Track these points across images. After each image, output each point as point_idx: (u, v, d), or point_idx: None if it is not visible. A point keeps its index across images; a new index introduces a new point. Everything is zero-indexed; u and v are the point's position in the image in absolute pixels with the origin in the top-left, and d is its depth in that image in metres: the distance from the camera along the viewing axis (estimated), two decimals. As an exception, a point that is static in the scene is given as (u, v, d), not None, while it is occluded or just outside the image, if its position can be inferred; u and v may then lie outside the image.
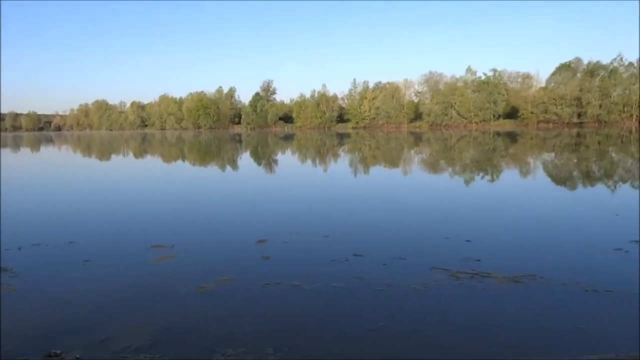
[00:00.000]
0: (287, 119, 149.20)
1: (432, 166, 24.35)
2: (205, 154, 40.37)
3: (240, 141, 65.78)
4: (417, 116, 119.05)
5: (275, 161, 30.90)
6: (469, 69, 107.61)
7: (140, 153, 42.68)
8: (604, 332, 4.60)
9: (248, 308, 5.43)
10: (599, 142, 41.92)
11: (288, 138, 72.36)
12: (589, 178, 17.52)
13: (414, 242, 8.18)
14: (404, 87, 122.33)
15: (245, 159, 34.14)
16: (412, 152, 36.62)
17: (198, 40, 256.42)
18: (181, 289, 6.06)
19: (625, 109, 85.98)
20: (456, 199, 13.14)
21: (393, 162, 27.44)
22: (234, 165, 28.17)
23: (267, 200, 13.80)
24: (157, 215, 11.52)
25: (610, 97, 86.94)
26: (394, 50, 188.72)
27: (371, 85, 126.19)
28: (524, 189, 15.27)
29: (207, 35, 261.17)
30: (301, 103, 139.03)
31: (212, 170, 25.25)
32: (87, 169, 27.24)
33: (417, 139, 57.89)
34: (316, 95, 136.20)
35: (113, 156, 39.27)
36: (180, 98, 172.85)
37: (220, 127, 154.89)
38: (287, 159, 33.01)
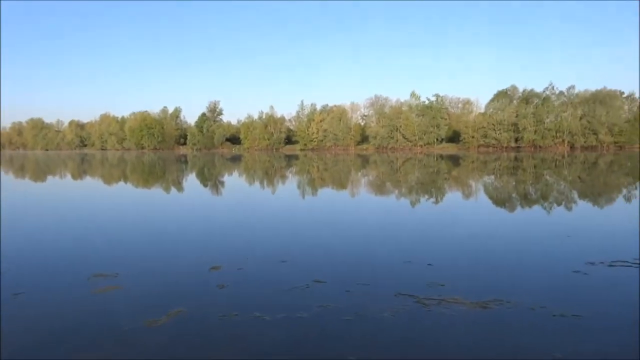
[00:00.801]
0: (234, 140, 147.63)
1: (382, 188, 24.49)
2: (149, 175, 38.86)
3: (185, 162, 64.08)
4: (364, 139, 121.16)
5: (224, 183, 30.13)
6: (413, 94, 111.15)
7: (79, 174, 40.47)
8: (577, 353, 4.47)
9: (204, 344, 4.92)
10: (534, 166, 43.97)
11: (235, 159, 71.32)
12: (533, 200, 18.11)
13: (375, 267, 7.92)
14: (351, 111, 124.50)
15: (192, 181, 33.10)
16: (361, 174, 36.88)
17: (141, 59, 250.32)
18: (127, 324, 5.45)
19: (557, 135, 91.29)
20: (409, 222, 13.10)
21: (343, 184, 27.42)
22: (180, 187, 27.16)
23: (217, 224, 13.21)
24: (99, 241, 10.64)
25: (544, 123, 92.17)
26: (340, 73, 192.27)
27: (318, 107, 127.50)
28: (473, 211, 15.50)
29: (152, 54, 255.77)
30: (249, 124, 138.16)
31: (156, 193, 24.17)
32: (18, 191, 25.38)
33: (365, 162, 58.61)
34: (264, 116, 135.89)
35: (49, 177, 36.98)
36: (123, 117, 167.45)
37: (165, 147, 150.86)
38: (235, 181, 32.29)
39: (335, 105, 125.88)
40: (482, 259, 8.40)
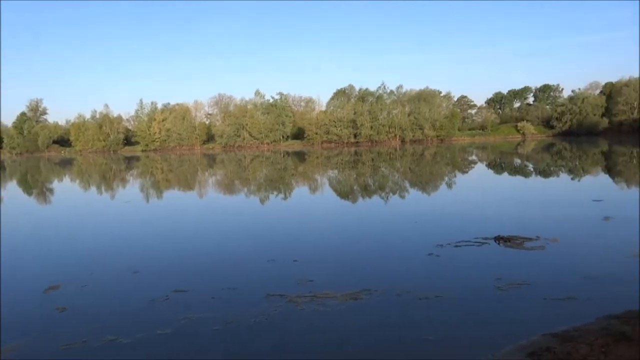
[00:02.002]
0: (63, 142, 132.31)
1: (232, 187, 24.08)
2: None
3: (3, 168, 55.67)
4: (210, 138, 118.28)
5: (51, 190, 26.74)
6: (257, 92, 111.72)
7: None
8: (449, 337, 4.78)
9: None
10: (372, 159, 47.43)
11: (66, 163, 64.05)
12: (376, 191, 19.42)
13: (239, 269, 7.63)
14: (195, 109, 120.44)
15: (13, 190, 28.78)
16: (209, 173, 35.89)
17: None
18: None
19: (390, 130, 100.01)
20: (266, 219, 13.02)
21: (190, 185, 26.33)
22: (-2, 197, 23.40)
23: (50, 235, 11.58)
24: None
25: (378, 119, 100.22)
26: (182, 71, 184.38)
27: (160, 106, 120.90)
28: (325, 204, 16.03)
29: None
30: (80, 125, 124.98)
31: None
32: None
33: (212, 161, 57.26)
34: (98, 116, 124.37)
35: None
36: None
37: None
38: (68, 188, 28.91)
39: (177, 104, 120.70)
40: (344, 251, 8.65)
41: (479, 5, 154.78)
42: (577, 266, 7.08)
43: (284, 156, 61.74)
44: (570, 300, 5.64)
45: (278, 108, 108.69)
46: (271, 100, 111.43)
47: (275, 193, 19.85)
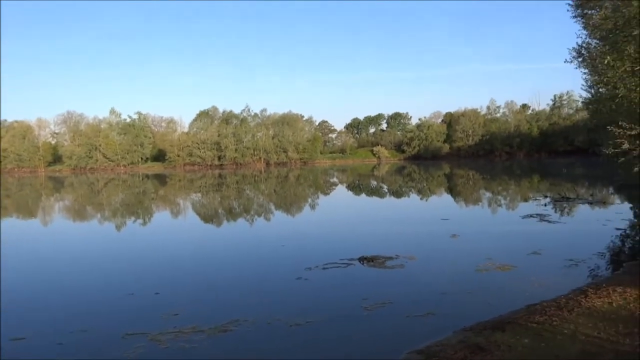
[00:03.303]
0: None
1: (81, 214, 21.91)
2: None
3: None
4: (57, 159, 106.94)
5: None
6: (112, 111, 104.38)
7: None
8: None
9: None
10: (237, 182, 47.01)
11: None
12: (239, 214, 19.13)
13: (92, 305, 6.82)
14: (38, 127, 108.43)
15: None
16: (55, 199, 32.33)
17: None
18: None
19: (255, 152, 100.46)
20: (117, 248, 12.00)
21: (30, 212, 23.42)
22: None
23: None
24: None
25: (243, 142, 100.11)
26: (23, 84, 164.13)
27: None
28: (184, 230, 15.32)
29: None
30: None
31: None
32: None
33: (59, 185, 51.74)
34: None
35: None
36: None
37: None
38: None
39: (16, 121, 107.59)
40: (211, 279, 8.26)
41: (338, 34, 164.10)
42: (433, 282, 7.62)
43: (142, 179, 58.23)
44: (430, 315, 6.01)
45: (136, 128, 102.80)
46: (129, 120, 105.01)
47: (132, 219, 18.49)
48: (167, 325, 5.83)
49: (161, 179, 58.05)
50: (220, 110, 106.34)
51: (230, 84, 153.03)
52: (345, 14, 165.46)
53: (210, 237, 13.68)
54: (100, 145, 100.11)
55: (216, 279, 8.30)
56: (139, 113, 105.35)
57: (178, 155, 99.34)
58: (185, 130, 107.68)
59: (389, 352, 4.87)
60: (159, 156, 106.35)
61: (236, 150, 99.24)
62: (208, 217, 18.80)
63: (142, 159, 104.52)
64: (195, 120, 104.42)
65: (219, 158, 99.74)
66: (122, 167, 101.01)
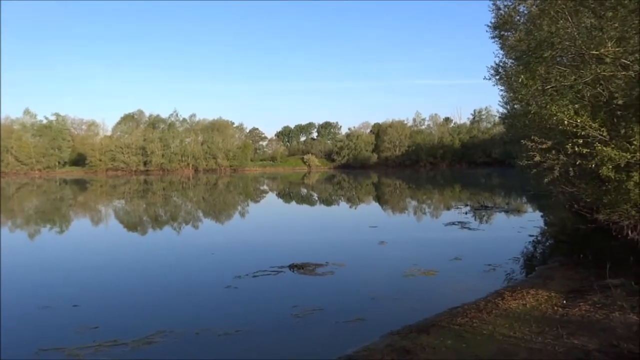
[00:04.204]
0: None
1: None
2: None
3: None
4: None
5: None
6: (27, 111, 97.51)
7: None
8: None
9: None
10: (164, 189, 45.46)
11: None
12: (167, 222, 18.53)
13: (3, 321, 6.28)
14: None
15: None
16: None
17: None
18: None
19: (183, 158, 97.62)
20: (33, 258, 11.19)
21: None
22: None
23: None
24: None
25: (170, 147, 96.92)
26: None
27: None
28: (109, 237, 14.62)
29: None
30: None
31: None
32: None
33: (-37, 189, 47.42)
34: None
35: None
36: None
37: None
38: None
39: None
40: (135, 290, 7.91)
41: (271, 41, 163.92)
42: (362, 288, 7.78)
43: (60, 184, 54.76)
44: (359, 321, 6.13)
45: (53, 130, 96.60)
46: (45, 121, 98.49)
47: (48, 227, 17.33)
48: (86, 339, 5.50)
49: (81, 184, 54.89)
50: (147, 114, 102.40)
51: (158, 88, 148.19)
52: (281, 19, 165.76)
53: (135, 246, 13.12)
54: (12, 148, 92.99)
55: (140, 290, 7.96)
56: (57, 114, 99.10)
57: (100, 160, 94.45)
58: (109, 133, 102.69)
59: (318, 359, 4.89)
60: (78, 160, 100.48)
61: (163, 155, 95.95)
62: (132, 225, 18.01)
63: (59, 163, 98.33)
64: (119, 123, 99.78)
65: (145, 164, 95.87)
66: (37, 172, 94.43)
